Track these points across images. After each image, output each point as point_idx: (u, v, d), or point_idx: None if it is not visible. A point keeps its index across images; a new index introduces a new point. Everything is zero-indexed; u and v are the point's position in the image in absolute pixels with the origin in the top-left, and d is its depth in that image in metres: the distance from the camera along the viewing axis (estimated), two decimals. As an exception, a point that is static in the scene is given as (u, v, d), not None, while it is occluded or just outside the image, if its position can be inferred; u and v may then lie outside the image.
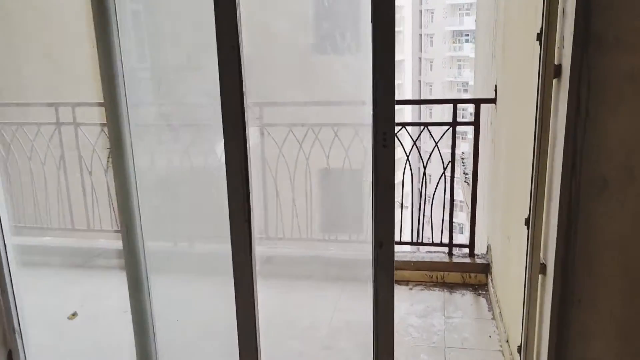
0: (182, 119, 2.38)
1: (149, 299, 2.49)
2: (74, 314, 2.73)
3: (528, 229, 2.16)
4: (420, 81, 36.07)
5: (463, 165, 6.10)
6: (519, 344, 2.30)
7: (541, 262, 2.12)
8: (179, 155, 2.43)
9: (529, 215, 2.13)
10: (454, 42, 34.62)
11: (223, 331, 2.44)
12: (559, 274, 2.00)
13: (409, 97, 34.48)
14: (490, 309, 3.55)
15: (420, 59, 35.84)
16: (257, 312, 2.33)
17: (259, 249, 4.49)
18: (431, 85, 35.72)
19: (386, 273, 2.27)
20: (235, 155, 2.13)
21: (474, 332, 3.29)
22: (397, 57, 2.05)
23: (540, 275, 2.14)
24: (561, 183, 1.90)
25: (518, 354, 2.33)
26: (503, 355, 3.02)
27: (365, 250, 4.53)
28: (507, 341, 3.04)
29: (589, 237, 1.90)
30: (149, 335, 2.53)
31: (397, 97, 2.07)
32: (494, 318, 3.42)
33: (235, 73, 2.06)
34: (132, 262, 2.40)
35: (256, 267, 2.33)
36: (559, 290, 2.00)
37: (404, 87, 33.63)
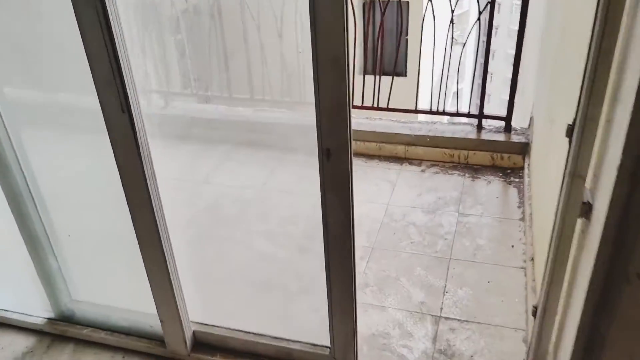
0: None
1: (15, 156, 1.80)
2: None
3: (570, 142, 1.27)
4: None
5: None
6: (535, 304, 1.55)
7: (585, 201, 1.26)
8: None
9: (575, 121, 1.23)
10: None
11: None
12: (611, 226, 1.16)
13: None
14: (521, 204, 2.74)
15: None
16: (155, 203, 1.61)
17: (236, 111, 3.67)
18: None
19: (337, 196, 1.49)
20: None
21: (493, 238, 2.54)
22: None
23: (580, 220, 1.29)
24: (642, 75, 0.96)
25: (532, 317, 1.58)
26: (525, 275, 2.29)
27: (377, 116, 3.64)
28: (533, 259, 2.29)
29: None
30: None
31: None
32: (523, 219, 2.63)
33: None
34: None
35: (145, 130, 1.54)
36: (608, 251, 1.17)
37: None
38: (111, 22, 1.35)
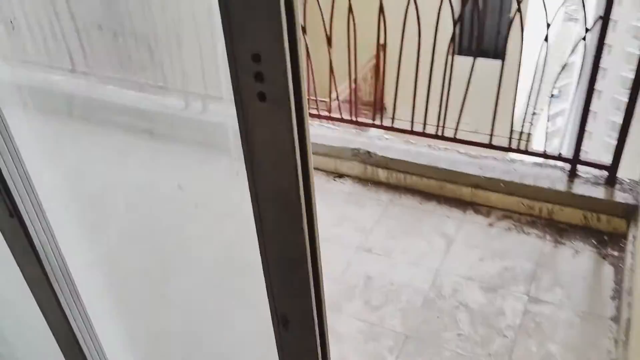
0: None
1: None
2: None
3: None
4: None
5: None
6: None
7: None
8: None
9: None
10: None
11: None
12: None
13: None
14: (617, 295, 2.05)
15: None
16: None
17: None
18: None
19: (301, 376, 0.97)
20: None
21: (571, 344, 1.89)
22: None
23: None
24: None
25: None
26: (609, 415, 1.66)
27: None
28: (623, 399, 1.64)
29: None
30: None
31: None
32: (617, 319, 1.95)
33: None
34: None
35: None
36: None
37: None
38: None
